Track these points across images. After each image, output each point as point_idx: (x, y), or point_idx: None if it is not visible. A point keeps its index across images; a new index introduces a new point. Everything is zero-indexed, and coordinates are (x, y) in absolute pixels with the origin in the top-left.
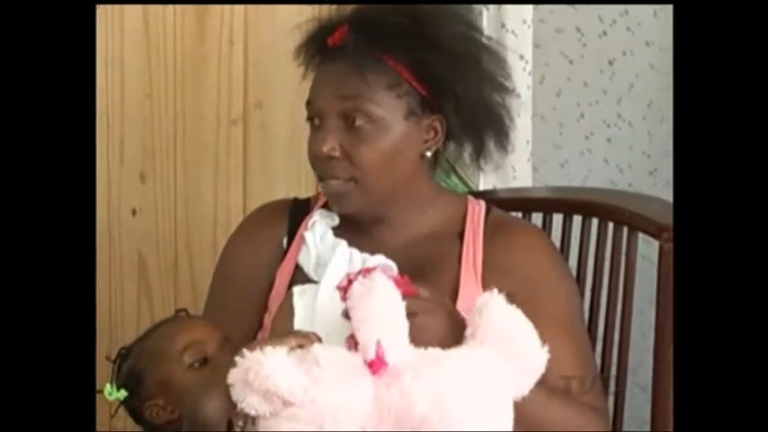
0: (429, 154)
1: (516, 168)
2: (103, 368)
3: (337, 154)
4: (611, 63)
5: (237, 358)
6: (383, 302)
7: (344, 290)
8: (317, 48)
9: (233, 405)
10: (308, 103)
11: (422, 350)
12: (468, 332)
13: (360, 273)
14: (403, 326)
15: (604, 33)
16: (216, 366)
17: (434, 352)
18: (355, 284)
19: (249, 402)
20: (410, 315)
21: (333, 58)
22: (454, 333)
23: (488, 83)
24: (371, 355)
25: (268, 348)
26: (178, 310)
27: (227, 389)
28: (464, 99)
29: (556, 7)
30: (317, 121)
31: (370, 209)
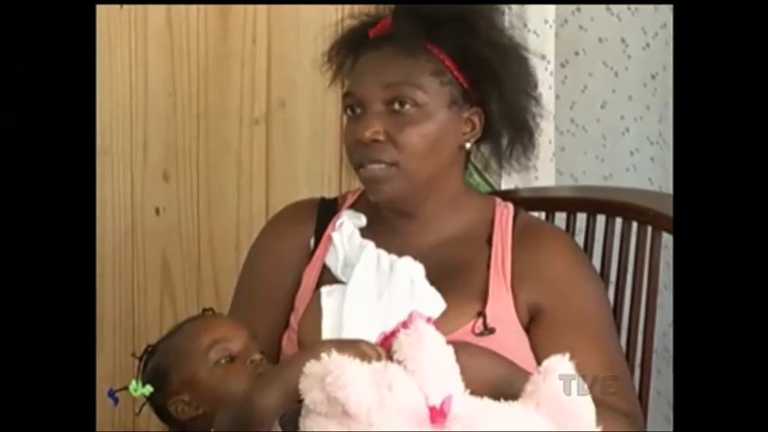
0: (468, 145)
1: (538, 168)
2: (124, 369)
3: (381, 138)
4: (653, 77)
5: (323, 355)
6: (436, 353)
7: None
8: (356, 42)
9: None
10: (348, 94)
11: (477, 400)
12: (528, 389)
13: (399, 325)
14: (457, 374)
15: (647, 46)
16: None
17: (487, 405)
18: (401, 336)
19: (312, 397)
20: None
21: (377, 47)
22: (495, 368)
23: (525, 81)
24: (436, 403)
25: (356, 361)
26: (205, 310)
27: (286, 388)
28: (505, 91)
29: (598, 15)
30: (357, 110)
31: (407, 196)
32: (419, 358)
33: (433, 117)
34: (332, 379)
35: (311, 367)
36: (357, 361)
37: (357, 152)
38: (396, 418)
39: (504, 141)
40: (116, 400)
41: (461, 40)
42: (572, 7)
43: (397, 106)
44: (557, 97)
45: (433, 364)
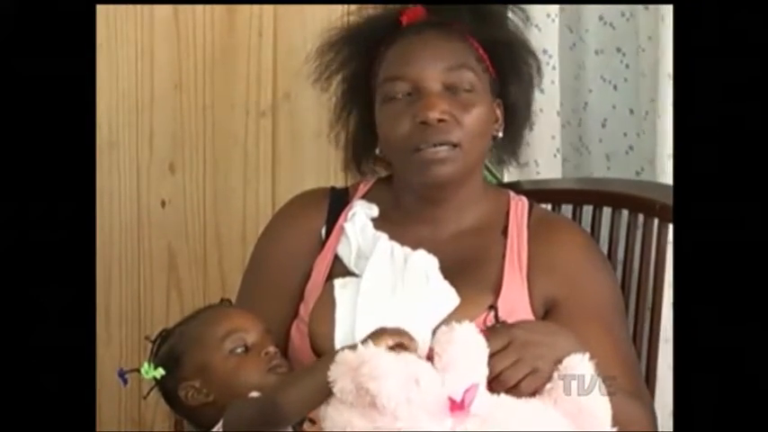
0: (500, 134)
1: (539, 163)
2: (131, 361)
3: (448, 117)
4: None
5: (360, 345)
6: (465, 348)
7: None
8: (387, 29)
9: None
10: (397, 77)
11: (495, 397)
12: (547, 386)
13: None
14: (483, 372)
15: None
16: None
17: (505, 401)
18: (438, 332)
19: (341, 386)
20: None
21: (418, 32)
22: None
23: (536, 77)
24: (458, 398)
25: (391, 354)
26: (222, 300)
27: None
28: (523, 85)
29: None
30: (400, 95)
31: (459, 178)
32: (450, 354)
33: (483, 101)
34: (367, 369)
35: (344, 356)
36: (392, 354)
37: (418, 134)
38: (420, 412)
39: (514, 133)
40: (126, 381)
41: (491, 33)
42: None
43: (456, 89)
44: None
45: (463, 362)
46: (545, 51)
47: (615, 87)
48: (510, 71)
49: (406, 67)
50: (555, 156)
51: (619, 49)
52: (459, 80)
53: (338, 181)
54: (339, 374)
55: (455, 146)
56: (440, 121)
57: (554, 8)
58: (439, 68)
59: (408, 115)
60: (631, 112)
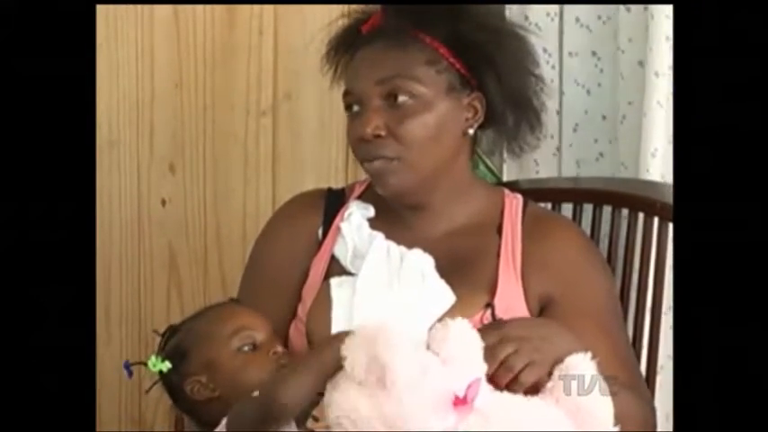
0: (471, 131)
1: (539, 162)
2: (131, 360)
3: (382, 133)
4: None
5: (379, 319)
6: (462, 344)
7: None
8: (350, 40)
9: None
10: (347, 92)
11: (497, 393)
12: (548, 385)
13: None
14: (482, 367)
15: None
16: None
17: (506, 399)
18: (434, 330)
19: (353, 359)
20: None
21: (369, 42)
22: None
23: (524, 60)
24: (461, 393)
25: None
26: (231, 299)
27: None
28: (502, 73)
29: None
30: (355, 108)
31: (414, 189)
32: (448, 350)
33: (432, 106)
34: (383, 338)
35: (362, 329)
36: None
37: (360, 149)
38: (425, 401)
39: (510, 123)
40: (130, 373)
41: (452, 27)
42: None
43: (394, 100)
44: None
45: (461, 357)
46: (545, 50)
47: (588, 92)
48: (480, 63)
49: (351, 81)
50: (554, 155)
51: (594, 53)
52: (394, 90)
53: (338, 180)
54: (352, 347)
55: (392, 159)
56: (376, 136)
57: (554, 8)
58: (373, 81)
59: (353, 129)
60: (604, 118)
